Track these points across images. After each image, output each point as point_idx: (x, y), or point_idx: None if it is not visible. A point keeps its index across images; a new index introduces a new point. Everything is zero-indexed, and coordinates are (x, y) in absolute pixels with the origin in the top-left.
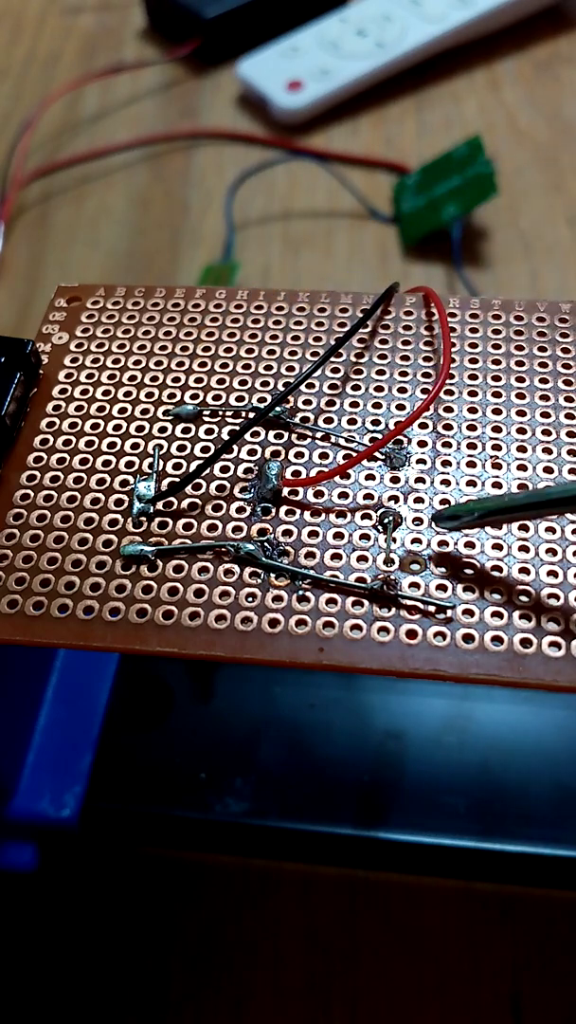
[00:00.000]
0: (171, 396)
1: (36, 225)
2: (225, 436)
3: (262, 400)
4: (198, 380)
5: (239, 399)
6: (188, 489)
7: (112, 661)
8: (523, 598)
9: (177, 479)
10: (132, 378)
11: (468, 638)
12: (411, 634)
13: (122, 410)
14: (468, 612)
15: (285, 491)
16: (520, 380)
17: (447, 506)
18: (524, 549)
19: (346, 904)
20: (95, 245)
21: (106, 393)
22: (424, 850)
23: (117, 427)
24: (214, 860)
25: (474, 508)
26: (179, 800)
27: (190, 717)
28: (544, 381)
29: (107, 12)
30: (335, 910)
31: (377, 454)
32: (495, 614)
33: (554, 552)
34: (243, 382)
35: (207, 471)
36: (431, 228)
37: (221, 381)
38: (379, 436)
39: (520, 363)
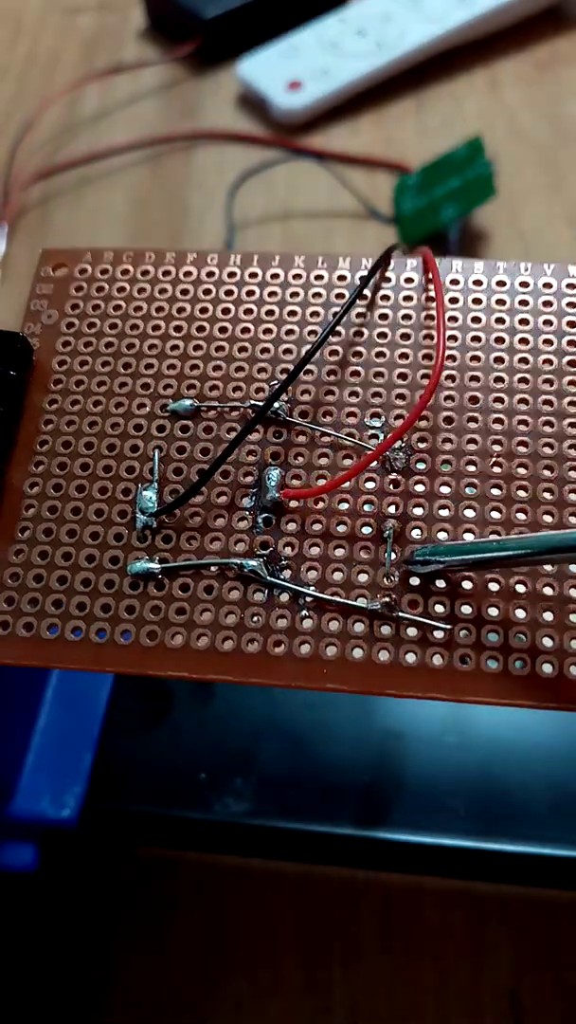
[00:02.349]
0: (167, 387)
1: (38, 226)
2: (224, 434)
3: (260, 390)
4: (194, 367)
5: (236, 389)
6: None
7: None
8: (520, 613)
9: (179, 487)
10: (127, 366)
11: (465, 658)
12: (411, 654)
13: (118, 404)
14: (466, 631)
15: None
16: (523, 362)
17: (417, 549)
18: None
19: (346, 904)
20: (96, 245)
21: (101, 384)
22: (424, 850)
23: (115, 425)
24: (214, 860)
25: (443, 554)
26: (179, 800)
27: (190, 717)
28: (548, 362)
29: (107, 12)
30: (335, 910)
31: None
32: (491, 631)
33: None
34: (239, 368)
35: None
36: (431, 229)
37: (218, 368)
38: (379, 433)
39: (524, 340)
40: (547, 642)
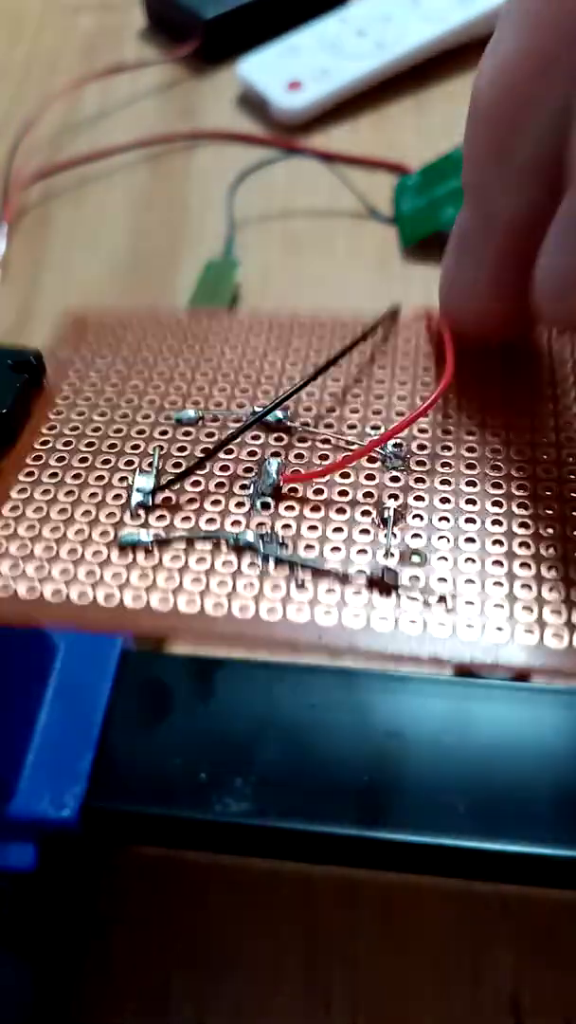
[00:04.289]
0: (172, 403)
1: (37, 226)
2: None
3: (263, 406)
4: (199, 388)
5: (240, 405)
6: (187, 487)
7: (112, 661)
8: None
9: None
10: (135, 387)
11: (468, 626)
12: (411, 622)
13: (123, 415)
14: (469, 602)
15: (284, 488)
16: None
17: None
18: (525, 546)
19: (346, 904)
20: (96, 246)
21: (107, 400)
22: (424, 850)
23: (118, 430)
24: (214, 860)
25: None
26: (179, 800)
27: (190, 717)
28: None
29: (107, 12)
30: (335, 910)
31: (376, 454)
32: (496, 605)
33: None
34: (244, 390)
35: (207, 468)
36: (431, 229)
37: (222, 390)
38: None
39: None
40: (554, 618)
